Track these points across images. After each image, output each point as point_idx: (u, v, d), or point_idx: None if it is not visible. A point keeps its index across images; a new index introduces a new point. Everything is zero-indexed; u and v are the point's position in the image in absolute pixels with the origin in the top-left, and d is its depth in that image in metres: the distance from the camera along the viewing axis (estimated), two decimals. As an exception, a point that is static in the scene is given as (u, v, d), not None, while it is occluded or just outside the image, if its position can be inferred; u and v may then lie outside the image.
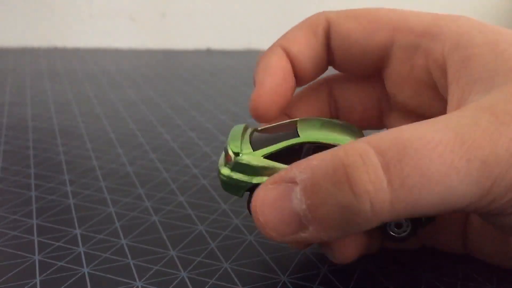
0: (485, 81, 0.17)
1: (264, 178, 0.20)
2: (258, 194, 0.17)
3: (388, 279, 0.22)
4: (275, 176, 0.17)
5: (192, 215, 0.28)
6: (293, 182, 0.16)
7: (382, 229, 0.19)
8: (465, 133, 0.15)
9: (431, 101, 0.21)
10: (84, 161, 0.36)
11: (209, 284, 0.22)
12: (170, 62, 0.74)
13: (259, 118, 0.22)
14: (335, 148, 0.16)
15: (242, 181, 0.20)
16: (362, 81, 0.25)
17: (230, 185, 0.20)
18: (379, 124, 0.25)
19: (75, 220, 0.27)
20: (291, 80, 0.22)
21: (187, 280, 0.22)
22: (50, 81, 0.62)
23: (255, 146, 0.20)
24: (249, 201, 0.20)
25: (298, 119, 0.22)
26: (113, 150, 0.38)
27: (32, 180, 0.32)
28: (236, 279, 0.22)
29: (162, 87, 0.58)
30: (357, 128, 0.22)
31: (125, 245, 0.25)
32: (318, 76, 0.24)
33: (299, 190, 0.16)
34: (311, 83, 0.25)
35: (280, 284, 0.22)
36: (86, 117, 0.47)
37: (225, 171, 0.20)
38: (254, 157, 0.20)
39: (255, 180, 0.20)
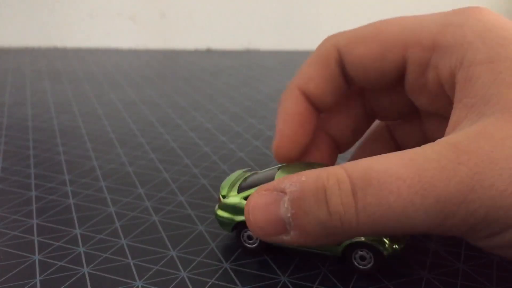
0: (478, 108, 0.18)
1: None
2: (252, 197, 0.20)
3: (388, 279, 0.22)
4: (269, 184, 0.20)
5: (192, 215, 0.28)
6: (283, 192, 0.19)
7: (348, 260, 0.22)
8: (426, 170, 0.17)
9: (448, 106, 0.22)
10: (84, 161, 0.36)
11: (209, 284, 0.22)
12: (170, 62, 0.74)
13: (281, 161, 0.25)
14: (321, 169, 0.19)
15: (228, 218, 0.24)
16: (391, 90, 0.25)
17: (221, 222, 0.24)
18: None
19: (75, 220, 0.27)
20: (308, 124, 0.25)
21: (187, 280, 0.22)
22: (50, 81, 0.62)
23: (241, 190, 0.24)
24: (238, 235, 0.24)
25: (284, 164, 0.25)
26: (113, 150, 0.38)
27: (32, 180, 0.32)
28: (236, 279, 0.22)
29: (162, 87, 0.58)
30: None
31: (125, 245, 0.25)
32: (338, 100, 0.26)
33: (287, 200, 0.19)
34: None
35: (280, 284, 0.22)
36: (86, 117, 0.47)
37: (217, 210, 0.24)
38: (235, 198, 0.24)
39: (237, 218, 0.23)
